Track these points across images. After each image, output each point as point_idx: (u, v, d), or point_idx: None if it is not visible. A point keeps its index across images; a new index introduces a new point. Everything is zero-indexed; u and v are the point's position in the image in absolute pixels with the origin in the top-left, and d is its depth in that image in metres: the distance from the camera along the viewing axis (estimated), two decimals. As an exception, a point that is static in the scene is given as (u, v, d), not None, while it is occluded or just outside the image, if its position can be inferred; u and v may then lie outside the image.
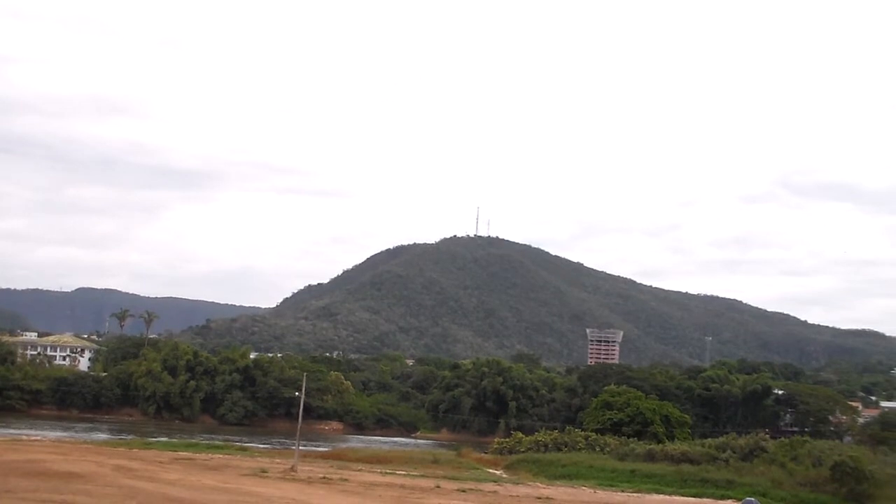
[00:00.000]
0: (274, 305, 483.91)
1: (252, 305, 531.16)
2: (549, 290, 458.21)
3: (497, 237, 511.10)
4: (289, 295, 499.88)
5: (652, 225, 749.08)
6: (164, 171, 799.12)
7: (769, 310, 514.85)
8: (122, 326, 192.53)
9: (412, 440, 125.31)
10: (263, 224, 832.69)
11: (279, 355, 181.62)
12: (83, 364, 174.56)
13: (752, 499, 50.30)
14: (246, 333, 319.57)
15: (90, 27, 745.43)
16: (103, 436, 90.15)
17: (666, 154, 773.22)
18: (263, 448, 78.97)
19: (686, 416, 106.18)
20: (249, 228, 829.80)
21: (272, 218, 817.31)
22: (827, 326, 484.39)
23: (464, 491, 47.95)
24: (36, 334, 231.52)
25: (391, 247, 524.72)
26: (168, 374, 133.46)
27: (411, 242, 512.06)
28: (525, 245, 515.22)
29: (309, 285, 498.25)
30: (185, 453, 60.93)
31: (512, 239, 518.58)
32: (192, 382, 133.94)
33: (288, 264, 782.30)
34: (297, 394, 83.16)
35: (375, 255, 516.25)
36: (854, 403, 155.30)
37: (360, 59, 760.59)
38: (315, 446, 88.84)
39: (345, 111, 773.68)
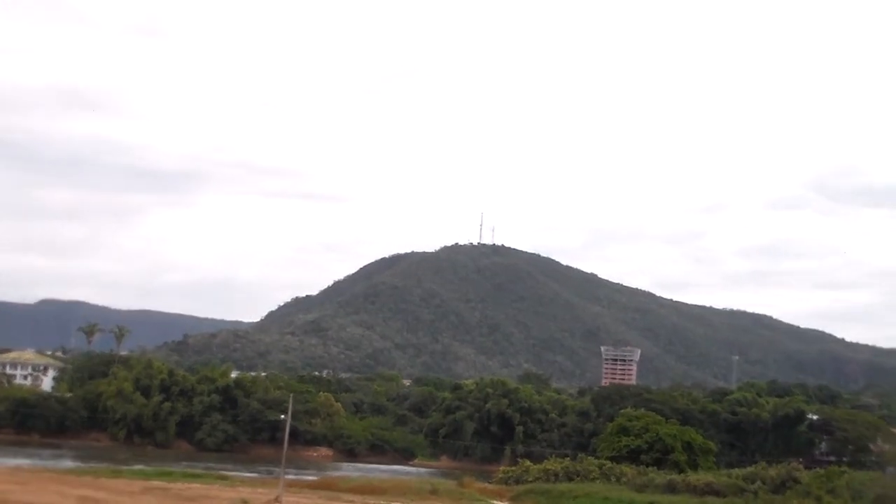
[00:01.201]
0: (258, 319, 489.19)
1: (234, 319, 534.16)
2: (560, 303, 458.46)
3: (502, 245, 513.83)
4: (274, 308, 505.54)
5: (672, 233, 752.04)
6: (138, 173, 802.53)
7: (802, 326, 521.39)
8: (89, 342, 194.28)
9: (409, 468, 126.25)
10: (247, 230, 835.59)
11: (263, 374, 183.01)
12: (46, 384, 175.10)
13: None
14: (227, 350, 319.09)
15: (57, 12, 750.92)
16: (68, 463, 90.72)
17: (687, 155, 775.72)
18: (245, 477, 79.36)
19: (710, 443, 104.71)
20: (232, 235, 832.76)
21: (257, 224, 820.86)
22: (866, 345, 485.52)
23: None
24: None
25: (387, 255, 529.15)
26: (140, 394, 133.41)
27: (409, 251, 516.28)
28: (533, 254, 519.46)
29: (296, 298, 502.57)
30: (158, 482, 61.11)
31: (518, 247, 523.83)
32: (167, 404, 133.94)
33: (274, 274, 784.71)
34: (282, 417, 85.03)
35: (370, 264, 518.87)
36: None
37: (354, 54, 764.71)
38: (302, 474, 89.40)
39: (338, 107, 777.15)
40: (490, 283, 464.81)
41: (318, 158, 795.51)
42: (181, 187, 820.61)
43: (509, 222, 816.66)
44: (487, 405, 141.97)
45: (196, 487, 59.68)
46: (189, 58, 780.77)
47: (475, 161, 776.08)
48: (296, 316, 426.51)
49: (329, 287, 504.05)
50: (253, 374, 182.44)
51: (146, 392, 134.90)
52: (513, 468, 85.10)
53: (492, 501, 66.35)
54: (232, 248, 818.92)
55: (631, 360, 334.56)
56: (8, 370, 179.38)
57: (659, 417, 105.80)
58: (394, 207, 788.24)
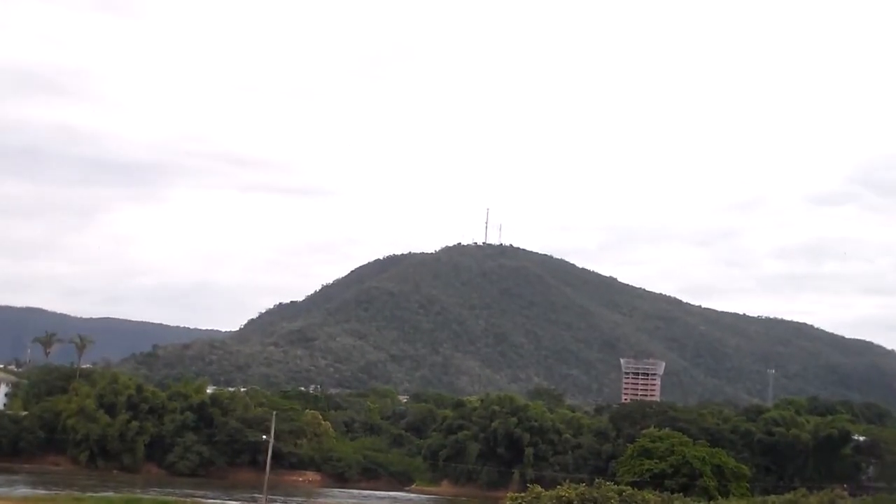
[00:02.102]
0: (237, 328, 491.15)
1: (210, 328, 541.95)
2: (575, 310, 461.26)
3: (510, 246, 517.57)
4: (255, 316, 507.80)
5: (701, 232, 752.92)
6: (102, 164, 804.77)
7: (847, 336, 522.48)
8: (47, 354, 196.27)
9: (406, 494, 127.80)
10: (225, 229, 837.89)
11: (243, 390, 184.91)
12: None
13: None
14: (202, 363, 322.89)
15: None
16: (23, 490, 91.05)
17: (717, 145, 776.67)
18: (223, 504, 78.05)
19: (743, 466, 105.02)
20: (208, 234, 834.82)
21: (236, 221, 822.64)
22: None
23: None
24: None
25: (381, 257, 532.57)
26: (105, 412, 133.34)
27: (406, 252, 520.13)
28: (545, 255, 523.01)
29: (280, 304, 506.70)
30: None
31: (528, 248, 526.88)
32: (135, 423, 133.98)
33: (254, 278, 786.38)
34: (264, 437, 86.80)
35: (362, 266, 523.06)
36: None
37: (347, 34, 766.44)
38: (286, 501, 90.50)
39: (327, 92, 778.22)
40: (496, 288, 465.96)
41: (305, 149, 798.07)
42: (151, 181, 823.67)
43: (518, 220, 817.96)
44: (494, 424, 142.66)
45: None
46: (161, 36, 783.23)
47: (480, 151, 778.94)
48: (279, 324, 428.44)
49: (316, 292, 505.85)
50: (231, 389, 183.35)
51: (111, 410, 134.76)
52: (522, 494, 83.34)
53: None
54: (208, 248, 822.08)
55: (654, 374, 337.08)
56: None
57: (686, 438, 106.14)
58: (389, 203, 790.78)
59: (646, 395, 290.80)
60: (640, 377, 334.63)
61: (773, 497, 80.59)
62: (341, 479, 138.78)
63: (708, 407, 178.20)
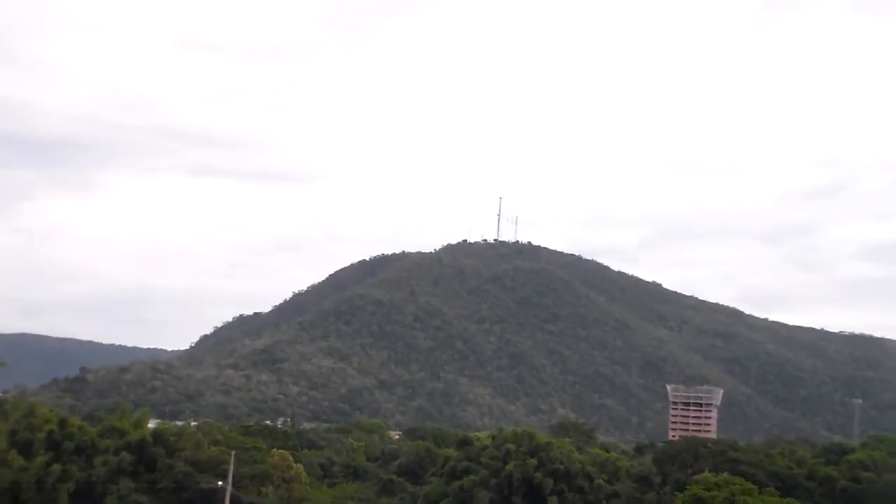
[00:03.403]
0: (186, 347, 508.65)
1: (152, 347, 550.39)
2: (610, 324, 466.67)
3: (529, 244, 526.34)
4: (209, 331, 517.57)
5: (769, 225, 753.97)
6: (15, 141, 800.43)
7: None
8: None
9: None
10: (171, 223, 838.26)
11: (194, 424, 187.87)
12: None
13: None
14: (142, 390, 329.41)
15: None
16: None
17: (790, 115, 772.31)
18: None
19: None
20: (149, 229, 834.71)
21: (185, 213, 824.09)
22: None
23: None
24: None
25: (368, 258, 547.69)
26: (18, 453, 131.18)
27: (399, 251, 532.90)
28: (572, 256, 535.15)
29: (240, 316, 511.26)
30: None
31: (552, 246, 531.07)
32: (57, 467, 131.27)
33: (208, 284, 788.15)
34: (220, 484, 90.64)
35: (343, 269, 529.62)
36: None
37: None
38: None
39: (302, 52, 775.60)
40: (512, 297, 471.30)
41: (274, 122, 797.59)
42: (77, 161, 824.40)
43: (538, 211, 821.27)
44: (508, 467, 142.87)
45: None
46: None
47: (489, 127, 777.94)
48: (239, 342, 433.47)
49: (286, 301, 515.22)
50: (179, 423, 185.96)
51: (26, 450, 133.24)
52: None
53: None
54: (149, 247, 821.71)
55: (709, 405, 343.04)
56: None
57: (749, 485, 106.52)
58: (378, 191, 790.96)
59: (699, 431, 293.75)
60: (691, 408, 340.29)
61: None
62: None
63: (777, 446, 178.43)
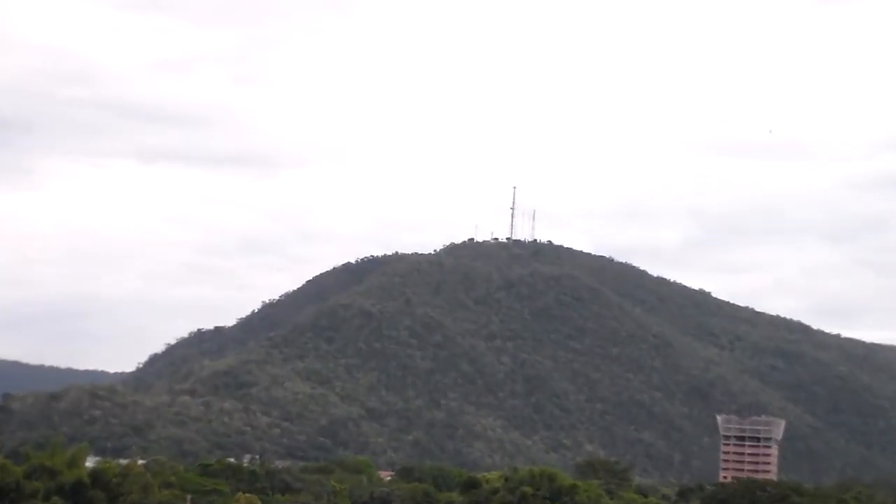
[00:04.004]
0: (132, 369, 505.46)
1: (90, 369, 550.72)
2: (647, 341, 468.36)
3: (549, 243, 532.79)
4: (160, 350, 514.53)
5: (839, 221, 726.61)
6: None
7: None
8: None
9: None
10: (117, 218, 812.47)
11: (141, 462, 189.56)
12: None
13: None
14: (79, 420, 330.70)
15: None
16: None
17: (855, 91, 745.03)
18: None
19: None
20: (90, 226, 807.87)
21: (133, 207, 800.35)
22: None
23: None
24: None
25: (354, 260, 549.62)
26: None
27: (391, 252, 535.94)
28: (600, 258, 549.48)
29: (198, 332, 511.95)
30: None
31: (576, 246, 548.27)
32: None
33: (160, 293, 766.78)
34: None
35: (324, 274, 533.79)
36: None
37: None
38: None
39: (275, 13, 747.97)
40: (528, 308, 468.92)
41: (242, 98, 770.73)
42: (6, 143, 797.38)
43: (559, 204, 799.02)
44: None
45: None
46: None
47: (501, 104, 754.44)
48: (197, 363, 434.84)
49: (254, 314, 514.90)
50: (124, 461, 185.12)
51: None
52: None
53: None
54: (88, 247, 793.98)
55: (768, 439, 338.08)
56: None
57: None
58: (367, 180, 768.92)
59: (756, 472, 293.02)
60: (746, 443, 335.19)
61: None
62: None
63: (852, 489, 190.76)
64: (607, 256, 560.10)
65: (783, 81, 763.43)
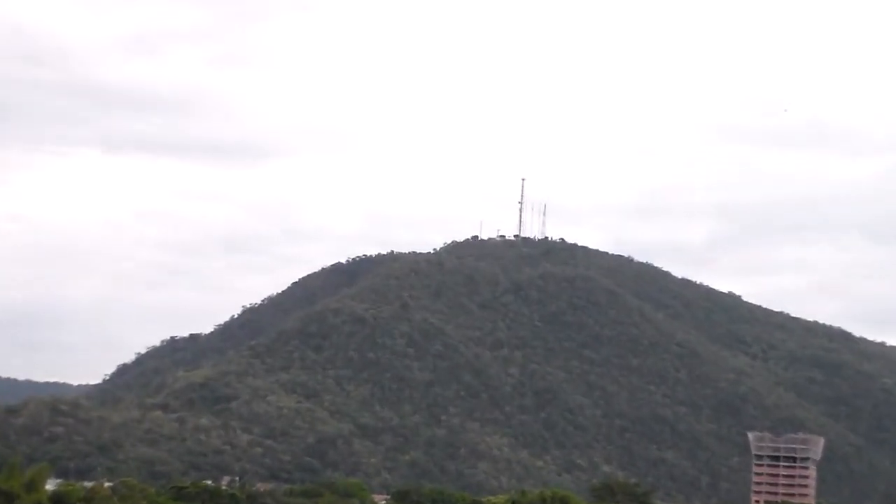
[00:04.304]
0: (98, 381, 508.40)
1: (51, 381, 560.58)
2: (671, 350, 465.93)
3: (561, 241, 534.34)
4: (129, 360, 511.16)
5: (882, 215, 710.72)
6: None
7: None
8: None
9: None
10: (78, 213, 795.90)
11: (108, 484, 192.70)
12: None
13: None
14: (38, 438, 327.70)
15: None
16: None
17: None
18: None
19: None
20: (48, 223, 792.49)
21: (98, 200, 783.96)
22: None
23: None
24: None
25: (345, 260, 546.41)
26: None
27: (386, 251, 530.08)
28: (618, 257, 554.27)
29: (171, 339, 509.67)
30: None
31: (592, 245, 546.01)
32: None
33: (128, 297, 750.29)
34: None
35: (311, 276, 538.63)
36: None
37: None
38: None
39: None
40: (538, 313, 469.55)
41: (220, 79, 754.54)
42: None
43: (573, 198, 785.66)
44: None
45: None
46: None
47: (507, 87, 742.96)
48: (171, 374, 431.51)
49: (234, 320, 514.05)
50: (89, 483, 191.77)
51: None
52: None
53: None
54: (49, 246, 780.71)
55: (805, 458, 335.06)
56: None
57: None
58: (359, 171, 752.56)
59: (791, 495, 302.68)
60: (781, 464, 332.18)
61: None
62: None
63: None
64: (626, 256, 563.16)
65: (824, 61, 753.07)
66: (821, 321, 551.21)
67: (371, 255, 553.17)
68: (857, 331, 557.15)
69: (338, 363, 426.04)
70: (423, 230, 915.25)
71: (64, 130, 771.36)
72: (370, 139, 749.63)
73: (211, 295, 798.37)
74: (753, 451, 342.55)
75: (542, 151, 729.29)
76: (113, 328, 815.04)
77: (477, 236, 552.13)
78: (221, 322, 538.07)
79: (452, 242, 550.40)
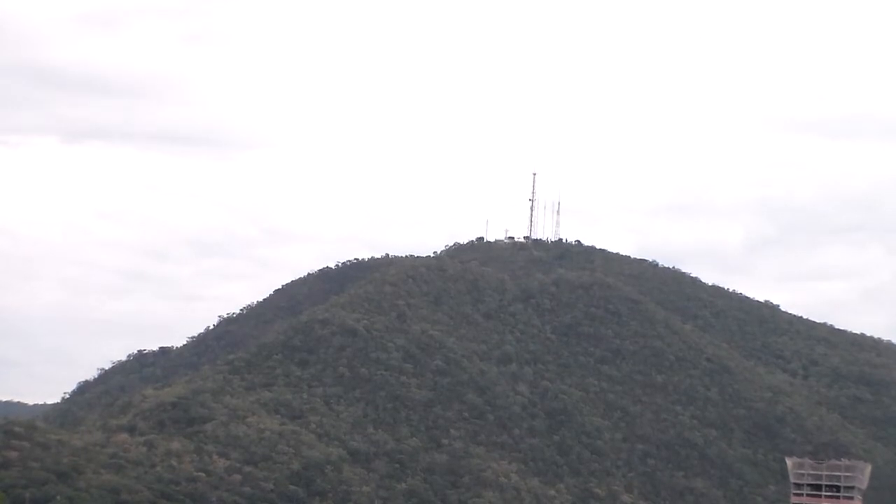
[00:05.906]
0: (56, 400, 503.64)
1: (4, 400, 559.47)
2: (700, 366, 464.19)
3: (577, 244, 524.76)
4: (91, 377, 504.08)
5: None
6: None
7: None
8: None
9: None
10: (35, 211, 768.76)
11: None
12: None
13: None
14: None
15: None
16: None
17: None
18: None
19: None
20: (1, 221, 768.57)
21: (55, 197, 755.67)
22: None
23: None
24: None
25: (334, 265, 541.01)
26: None
27: (381, 255, 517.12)
28: (642, 263, 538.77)
29: (140, 354, 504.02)
30: None
31: (612, 248, 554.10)
32: None
33: (91, 305, 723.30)
34: None
35: (295, 283, 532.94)
36: None
37: None
38: None
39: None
40: (551, 325, 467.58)
41: (191, 62, 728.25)
42: None
43: (590, 196, 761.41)
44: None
45: None
46: None
47: (518, 75, 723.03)
48: (137, 392, 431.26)
49: (209, 332, 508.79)
50: None
51: None
52: None
53: None
54: (1, 249, 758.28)
55: (850, 488, 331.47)
56: None
57: None
58: (350, 165, 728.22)
59: None
60: (823, 493, 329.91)
61: None
62: None
63: None
64: (650, 261, 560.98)
65: (876, 46, 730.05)
66: (868, 334, 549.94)
67: (363, 259, 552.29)
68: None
69: (326, 380, 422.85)
70: (421, 231, 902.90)
71: (15, 117, 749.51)
72: (362, 129, 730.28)
73: (182, 303, 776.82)
74: (792, 480, 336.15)
75: (556, 143, 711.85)
76: (72, 341, 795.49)
77: (482, 238, 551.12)
78: (195, 334, 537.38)
79: (455, 245, 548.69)
